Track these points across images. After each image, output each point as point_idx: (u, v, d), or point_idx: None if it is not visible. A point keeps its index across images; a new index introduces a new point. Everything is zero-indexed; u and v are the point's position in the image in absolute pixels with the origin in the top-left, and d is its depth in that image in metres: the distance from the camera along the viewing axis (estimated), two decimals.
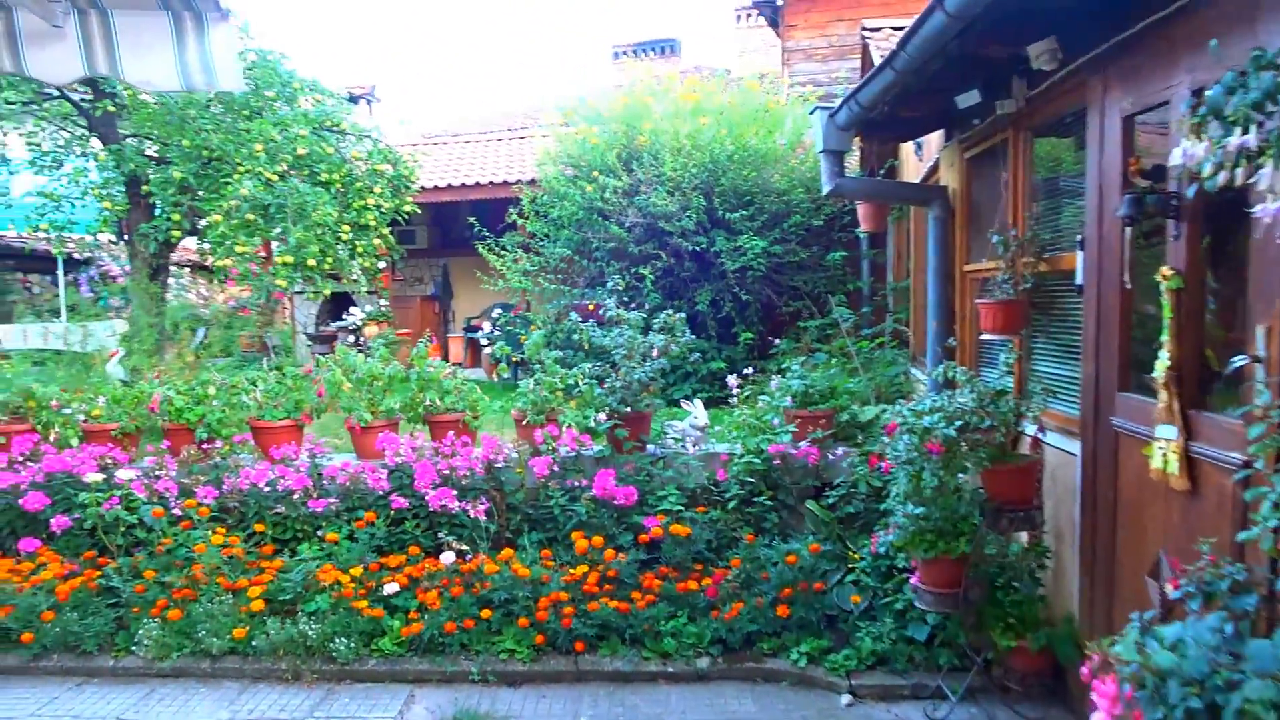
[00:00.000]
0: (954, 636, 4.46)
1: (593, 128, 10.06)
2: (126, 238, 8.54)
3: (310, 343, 14.32)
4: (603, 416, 5.72)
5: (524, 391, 6.04)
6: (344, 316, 13.68)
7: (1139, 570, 3.38)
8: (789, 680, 4.69)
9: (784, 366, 6.81)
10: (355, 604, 4.89)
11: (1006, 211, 4.75)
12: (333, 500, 5.44)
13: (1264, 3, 2.51)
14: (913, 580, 4.24)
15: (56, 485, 5.57)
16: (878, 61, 7.60)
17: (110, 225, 8.76)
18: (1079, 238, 3.92)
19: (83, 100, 8.49)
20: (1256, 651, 1.80)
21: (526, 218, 10.20)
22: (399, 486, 5.53)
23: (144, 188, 8.08)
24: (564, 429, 5.74)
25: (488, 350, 11.89)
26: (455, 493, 5.36)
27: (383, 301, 13.41)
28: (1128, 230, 3.29)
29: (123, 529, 5.32)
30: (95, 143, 8.68)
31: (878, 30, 8.20)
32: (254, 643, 4.81)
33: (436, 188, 13.15)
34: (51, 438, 6.01)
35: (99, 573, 5.21)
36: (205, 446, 5.89)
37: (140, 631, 4.89)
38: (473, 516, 5.27)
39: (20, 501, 5.41)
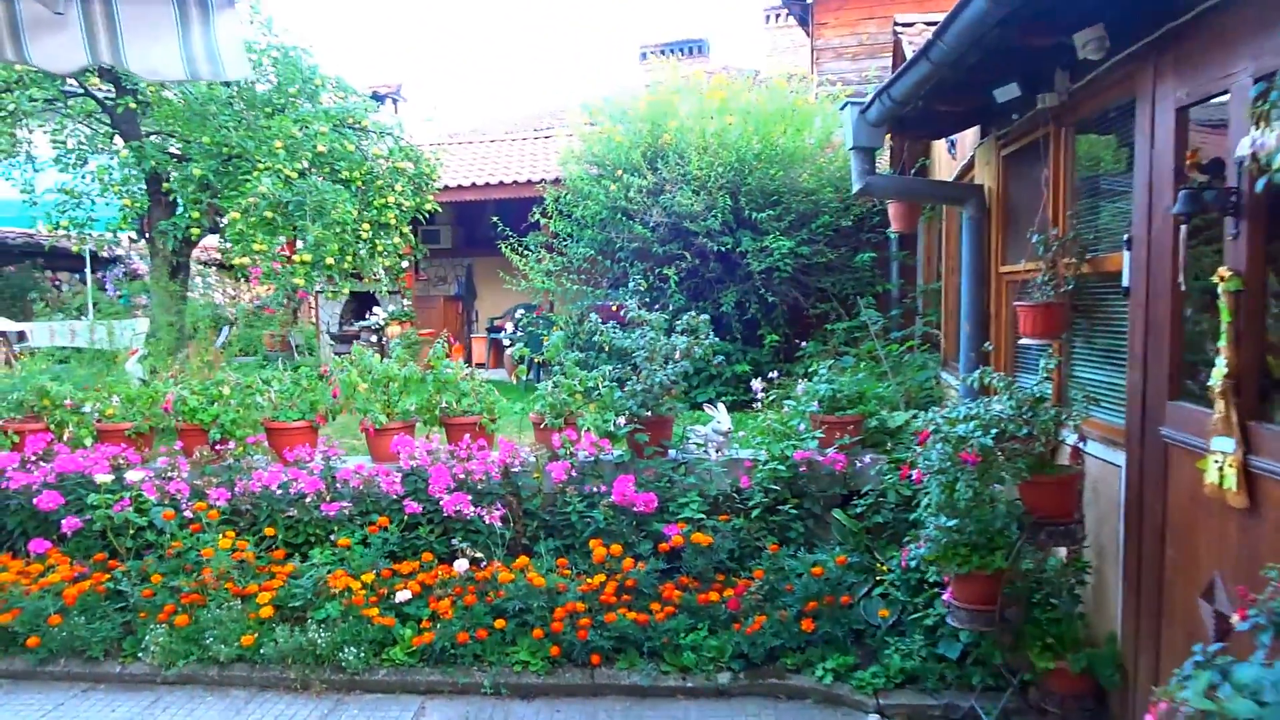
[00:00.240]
0: (988, 655, 4.25)
1: (617, 126, 9.90)
2: (147, 235, 8.48)
3: (333, 342, 14.29)
4: (623, 420, 5.56)
5: (542, 394, 5.89)
6: (367, 316, 13.64)
7: (1191, 591, 3.16)
8: (814, 698, 4.50)
9: (810, 370, 6.61)
10: (366, 611, 4.75)
11: (1047, 210, 4.53)
12: (346, 504, 5.31)
13: None
14: (945, 596, 4.03)
15: (69, 486, 5.48)
16: (910, 56, 7.43)
17: (131, 223, 8.70)
18: (1126, 237, 3.71)
19: (106, 98, 8.45)
20: None
21: (550, 217, 10.07)
22: (413, 491, 5.40)
23: (165, 185, 8.00)
24: (583, 433, 5.59)
25: (510, 351, 11.79)
26: (470, 498, 5.21)
27: (406, 301, 13.35)
28: (1183, 228, 3.08)
29: (132, 531, 5.23)
30: (119, 140, 8.63)
31: (910, 25, 7.98)
32: (262, 650, 4.68)
33: (460, 187, 13.06)
34: (65, 437, 5.93)
35: (108, 576, 5.11)
36: (219, 448, 5.78)
37: (147, 637, 4.79)
38: (488, 523, 5.13)
39: (34, 502, 5.32)
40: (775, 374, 6.68)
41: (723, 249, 9.03)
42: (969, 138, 6.42)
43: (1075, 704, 3.93)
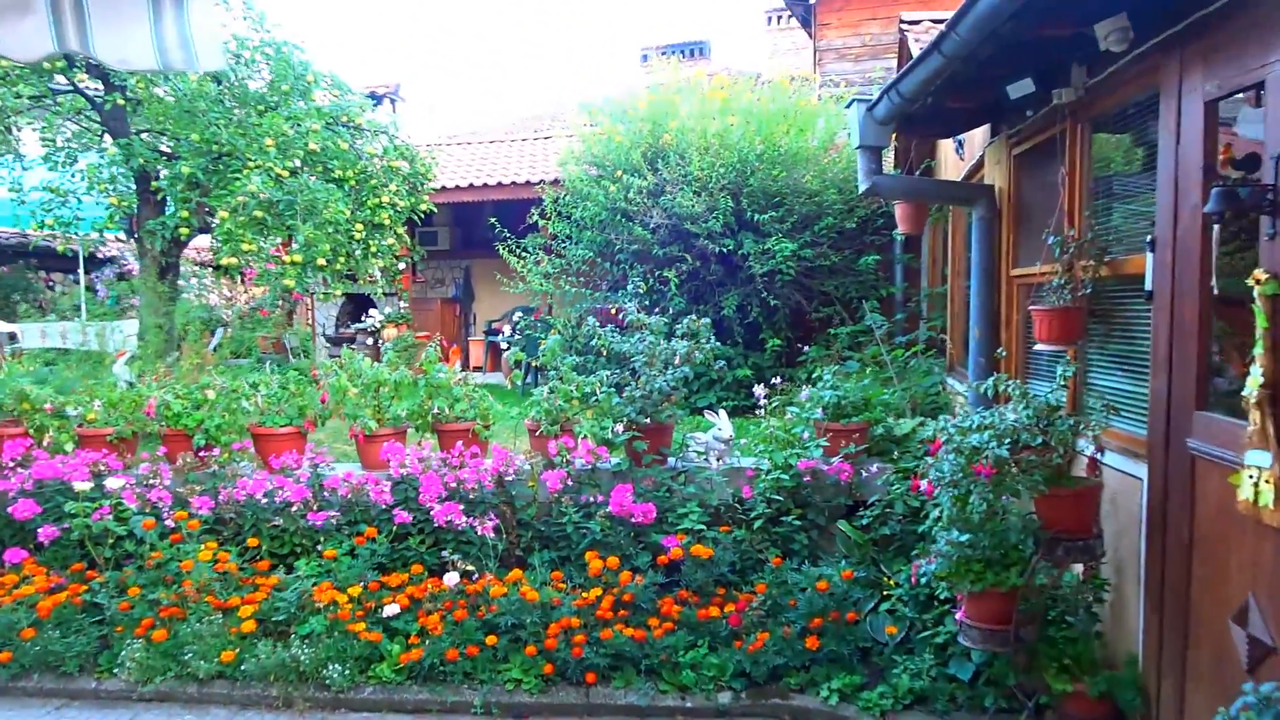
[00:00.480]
0: (1002, 676, 4.06)
1: (617, 126, 9.73)
2: (136, 235, 8.29)
3: (329, 345, 14.11)
4: (621, 427, 5.38)
5: (538, 400, 5.71)
6: (363, 318, 13.47)
7: (1220, 613, 2.98)
8: (818, 719, 4.30)
9: (814, 375, 6.44)
10: (352, 626, 4.56)
11: (1062, 211, 4.35)
12: (333, 513, 5.13)
13: None
14: (959, 615, 3.84)
15: (47, 493, 5.30)
16: (916, 54, 7.25)
17: (118, 222, 8.52)
18: (1148, 238, 3.52)
19: (95, 95, 8.27)
20: None
21: (549, 218, 9.90)
22: (403, 500, 5.21)
23: (154, 184, 7.82)
24: (580, 440, 5.40)
25: (507, 354, 11.62)
26: (462, 508, 5.02)
27: (402, 303, 13.18)
28: (1215, 228, 2.89)
29: (112, 541, 5.04)
30: (109, 138, 8.46)
31: (917, 23, 7.81)
32: (243, 667, 4.49)
33: (458, 187, 12.89)
34: (45, 442, 5.75)
35: (85, 587, 4.92)
36: (203, 454, 5.59)
37: (124, 652, 4.59)
38: (480, 534, 4.94)
39: (9, 510, 5.14)
40: (778, 380, 6.49)
41: (724, 251, 8.86)
42: (978, 136, 6.24)
43: None
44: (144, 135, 8.45)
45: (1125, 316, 3.96)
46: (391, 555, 5.09)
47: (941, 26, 3.99)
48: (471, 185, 12.91)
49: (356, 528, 5.18)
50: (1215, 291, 2.98)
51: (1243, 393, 2.69)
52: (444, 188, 12.66)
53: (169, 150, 8.36)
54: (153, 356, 7.33)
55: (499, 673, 4.51)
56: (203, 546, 4.92)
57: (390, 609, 4.67)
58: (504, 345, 12.24)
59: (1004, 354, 5.01)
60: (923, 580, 4.06)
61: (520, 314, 11.63)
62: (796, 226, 8.85)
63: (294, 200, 7.00)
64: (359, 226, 8.05)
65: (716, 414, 5.66)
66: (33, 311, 12.16)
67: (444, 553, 5.00)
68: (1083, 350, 4.27)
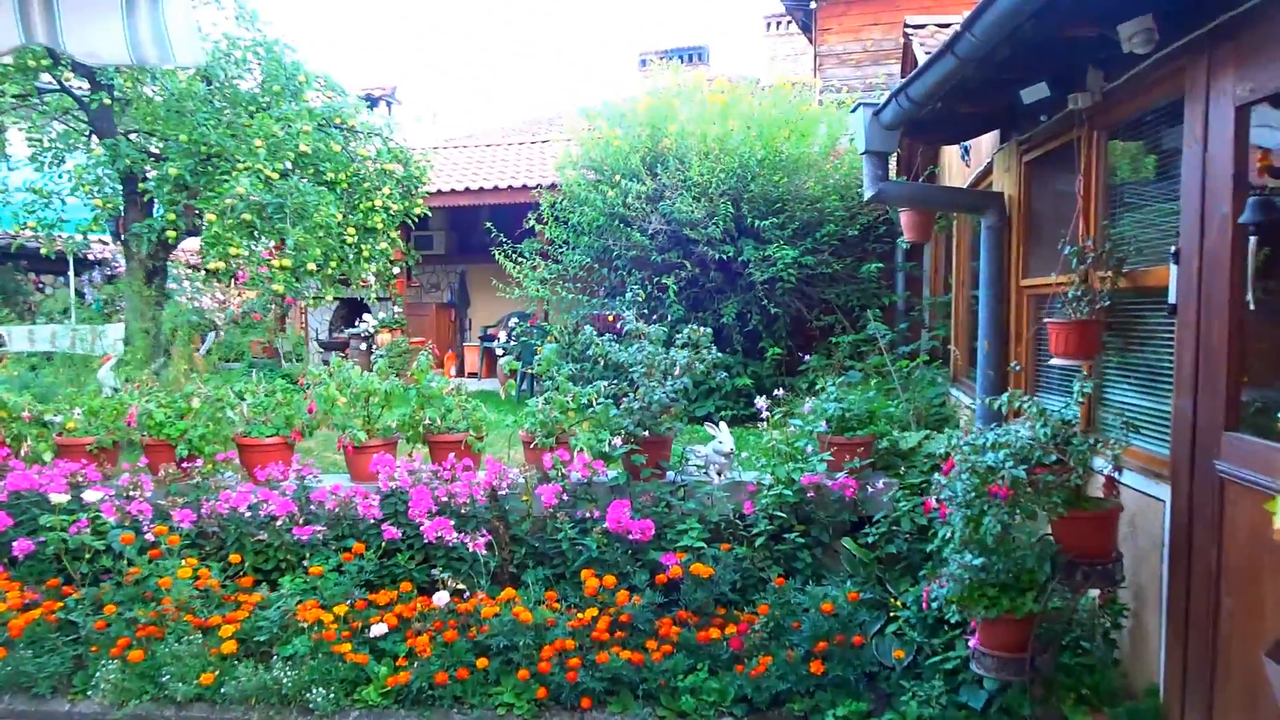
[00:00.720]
0: (1016, 705, 3.87)
1: (616, 130, 9.57)
2: (122, 238, 8.10)
3: (322, 350, 13.93)
4: (618, 441, 5.21)
5: (533, 411, 5.53)
6: (357, 323, 13.29)
7: (1252, 647, 2.81)
8: None
9: (817, 386, 6.26)
10: (338, 648, 4.37)
11: (1079, 220, 4.19)
12: (320, 528, 4.95)
13: None
14: (972, 642, 3.67)
15: (23, 505, 5.12)
16: (922, 59, 7.10)
17: (103, 224, 8.32)
18: (1172, 249, 3.36)
19: (83, 94, 8.09)
20: None
21: (545, 223, 9.72)
22: (392, 514, 5.03)
23: (140, 185, 7.64)
24: (576, 453, 5.23)
25: (503, 361, 11.45)
26: (454, 523, 4.85)
27: (396, 308, 13.01)
28: (1251, 239, 2.73)
29: (89, 555, 4.85)
30: (96, 138, 8.27)
31: (921, 27, 7.66)
32: (223, 689, 4.29)
33: (454, 191, 12.73)
34: (23, 451, 5.56)
35: (60, 604, 4.73)
36: (185, 465, 5.41)
37: (98, 673, 4.39)
38: (471, 550, 4.76)
39: None
40: (780, 391, 6.31)
41: (724, 258, 8.70)
42: (986, 143, 6.09)
43: None
44: (132, 136, 8.27)
45: (1144, 330, 3.80)
46: (380, 572, 4.91)
47: (949, 30, 3.85)
48: (467, 189, 12.75)
49: (344, 543, 5.00)
50: (1251, 305, 2.82)
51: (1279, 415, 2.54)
52: (439, 191, 12.50)
53: (158, 151, 8.17)
54: (139, 362, 7.14)
55: (490, 697, 4.32)
56: (183, 562, 4.74)
57: (378, 629, 4.49)
58: (500, 351, 12.07)
59: (1018, 368, 4.84)
60: (934, 605, 3.89)
61: (516, 320, 11.46)
62: (798, 233, 8.70)
63: (284, 203, 6.82)
64: (351, 230, 7.86)
65: (717, 426, 5.49)
66: (12, 316, 11.94)
67: (434, 570, 4.83)
68: (1098, 365, 4.11)
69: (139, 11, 2.94)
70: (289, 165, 7.29)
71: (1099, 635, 3.81)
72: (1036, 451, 3.46)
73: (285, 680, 4.25)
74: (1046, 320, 4.08)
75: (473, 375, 13.04)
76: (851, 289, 8.96)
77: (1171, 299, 3.36)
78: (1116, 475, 3.75)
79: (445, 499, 4.98)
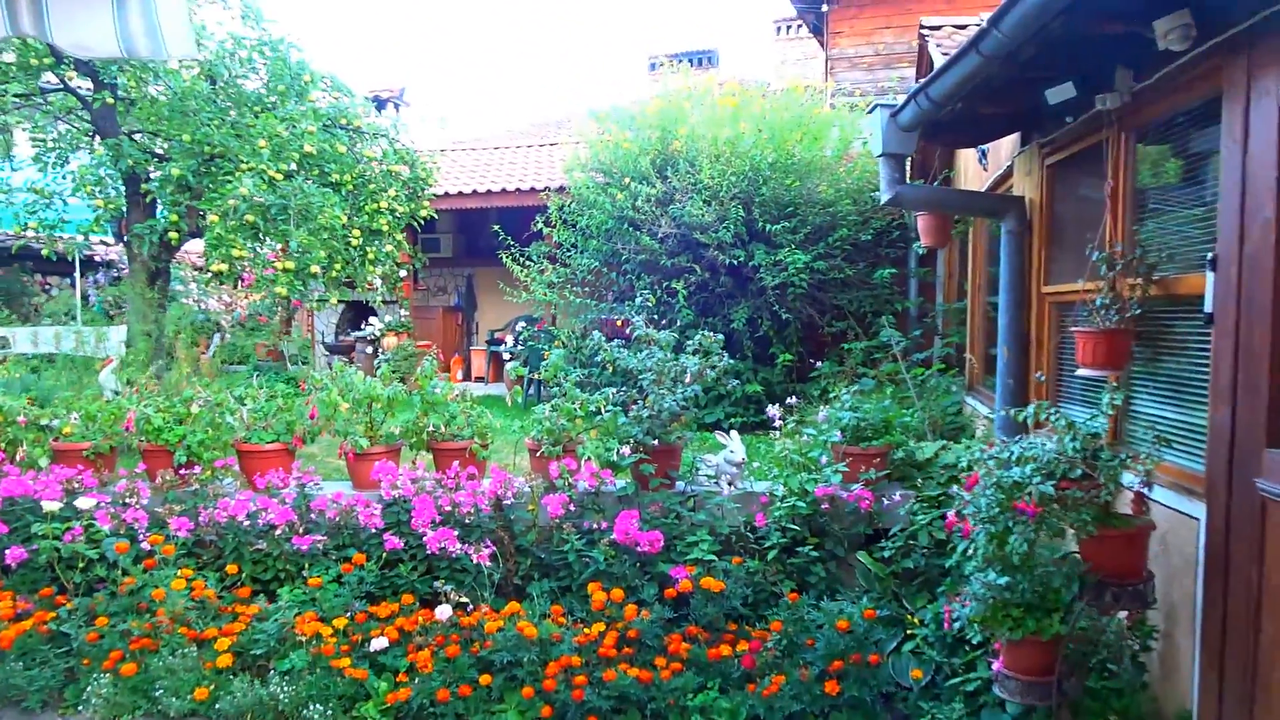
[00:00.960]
0: None
1: (625, 132, 9.44)
2: (125, 239, 7.98)
3: (328, 353, 13.82)
4: (626, 449, 5.06)
5: (539, 418, 5.40)
6: (363, 326, 13.17)
7: None
8: None
9: (830, 394, 6.12)
10: (336, 663, 4.23)
11: (1107, 225, 4.04)
12: (320, 537, 4.82)
13: None
14: (996, 665, 3.52)
15: (17, 512, 4.99)
16: (938, 60, 6.95)
17: (105, 225, 8.20)
18: (1209, 255, 3.21)
19: (88, 94, 7.99)
20: None
21: (553, 226, 9.60)
22: (394, 524, 4.90)
23: (143, 186, 7.52)
24: (583, 462, 5.10)
25: (510, 366, 11.32)
26: (457, 533, 4.71)
27: (403, 311, 12.90)
28: None
29: (82, 564, 4.73)
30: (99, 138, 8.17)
31: (938, 28, 7.51)
32: (218, 705, 4.16)
33: (461, 194, 12.60)
34: (18, 456, 5.44)
35: (53, 615, 4.60)
36: (183, 472, 5.28)
37: (90, 687, 4.26)
38: (475, 561, 4.62)
39: None
40: (793, 400, 6.16)
41: (734, 262, 8.56)
42: (1005, 146, 5.94)
43: None
44: (137, 136, 8.16)
45: (1175, 339, 3.65)
46: (381, 583, 4.78)
47: (966, 32, 3.72)
48: (475, 191, 12.63)
49: (344, 553, 4.87)
50: None
51: None
52: (447, 194, 12.39)
53: (162, 152, 8.06)
54: (140, 365, 7.03)
55: (493, 715, 4.17)
56: (178, 573, 4.60)
57: (378, 642, 4.35)
58: (507, 356, 11.95)
59: (1043, 378, 4.69)
60: (955, 625, 3.73)
61: (523, 324, 11.34)
62: (809, 238, 8.55)
63: (287, 204, 6.70)
64: (356, 233, 7.73)
65: (728, 435, 5.34)
66: (14, 317, 11.84)
67: (437, 582, 4.69)
68: (1125, 375, 3.95)
69: (130, 3, 2.81)
70: (293, 166, 7.17)
71: (1127, 657, 3.65)
72: (1062, 466, 3.31)
73: (282, 696, 4.11)
74: (1074, 329, 3.93)
75: (479, 379, 12.92)
76: (864, 294, 8.81)
77: (1207, 307, 3.21)
78: (1146, 491, 3.59)
79: (449, 508, 4.85)
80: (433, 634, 4.41)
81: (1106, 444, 3.56)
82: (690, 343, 5.60)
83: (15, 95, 7.71)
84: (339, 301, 9.42)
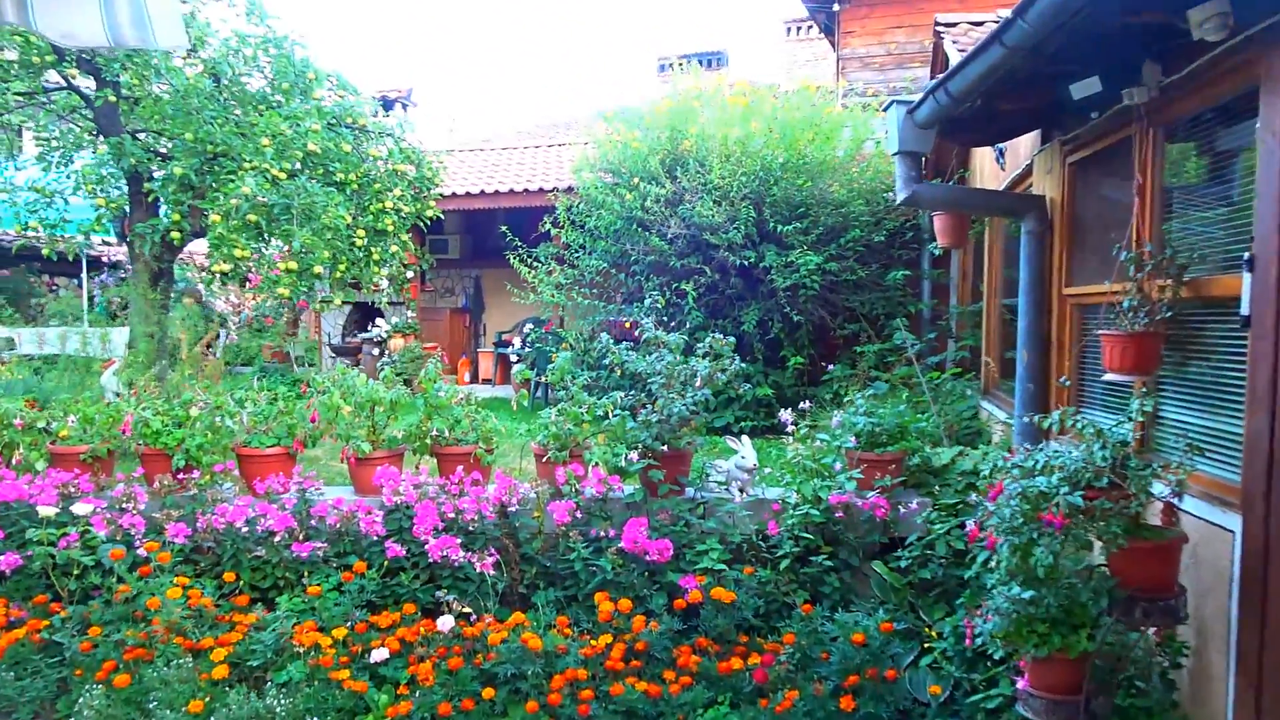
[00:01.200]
0: None
1: (634, 131, 9.31)
2: (128, 239, 7.88)
3: (335, 355, 13.72)
4: (635, 455, 4.93)
5: (545, 423, 5.27)
6: (370, 328, 13.08)
7: None
8: None
9: (843, 397, 5.98)
10: (335, 674, 4.11)
11: (1135, 224, 3.89)
12: (320, 544, 4.70)
13: None
14: (1020, 684, 3.37)
15: (12, 517, 4.89)
16: (955, 57, 6.81)
17: (106, 225, 8.09)
18: (1246, 255, 3.06)
19: (91, 93, 7.90)
20: None
21: (561, 227, 9.47)
22: (396, 531, 4.78)
23: (145, 185, 7.42)
24: (590, 468, 4.97)
25: (516, 369, 11.21)
26: (461, 541, 4.59)
27: (410, 313, 12.80)
28: None
29: (77, 571, 4.61)
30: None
31: (953, 25, 7.37)
32: (213, 718, 4.03)
33: (468, 194, 12.49)
34: (15, 460, 5.34)
35: (47, 623, 4.48)
36: (182, 476, 5.16)
37: (82, 699, 4.14)
38: (479, 570, 4.49)
39: None
40: (806, 404, 6.01)
41: (745, 264, 8.41)
42: (1024, 144, 5.79)
43: None
44: (141, 135, 8.06)
45: (1206, 343, 3.50)
46: (382, 592, 4.65)
47: (983, 28, 3.58)
48: (483, 192, 12.52)
49: (345, 560, 4.75)
50: None
51: None
52: (454, 194, 12.29)
53: (166, 151, 7.96)
54: (141, 366, 6.92)
55: None
56: (174, 580, 4.48)
57: (379, 653, 4.23)
58: (514, 358, 11.84)
59: (1067, 382, 4.54)
60: (978, 640, 3.58)
61: (531, 326, 11.22)
62: (821, 239, 8.41)
63: (290, 204, 6.58)
64: (360, 233, 7.62)
65: (739, 441, 5.20)
66: (18, 317, 11.78)
67: (439, 592, 4.56)
68: (1153, 380, 3.80)
69: None
70: (297, 165, 7.06)
71: (1156, 675, 3.50)
72: (1088, 474, 3.17)
73: (279, 709, 3.99)
74: (1100, 332, 3.78)
75: (487, 381, 12.81)
76: (877, 296, 8.66)
77: (1244, 309, 3.06)
78: (1176, 502, 3.44)
79: (452, 515, 4.72)
80: (435, 645, 4.28)
81: (1133, 452, 3.42)
82: (700, 345, 5.46)
83: (17, 94, 7.62)
84: (345, 303, 9.31)
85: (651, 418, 5.04)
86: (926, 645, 4.27)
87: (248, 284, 10.79)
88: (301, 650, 4.20)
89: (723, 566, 4.58)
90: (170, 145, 7.84)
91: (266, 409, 5.48)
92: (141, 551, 4.63)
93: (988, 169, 7.37)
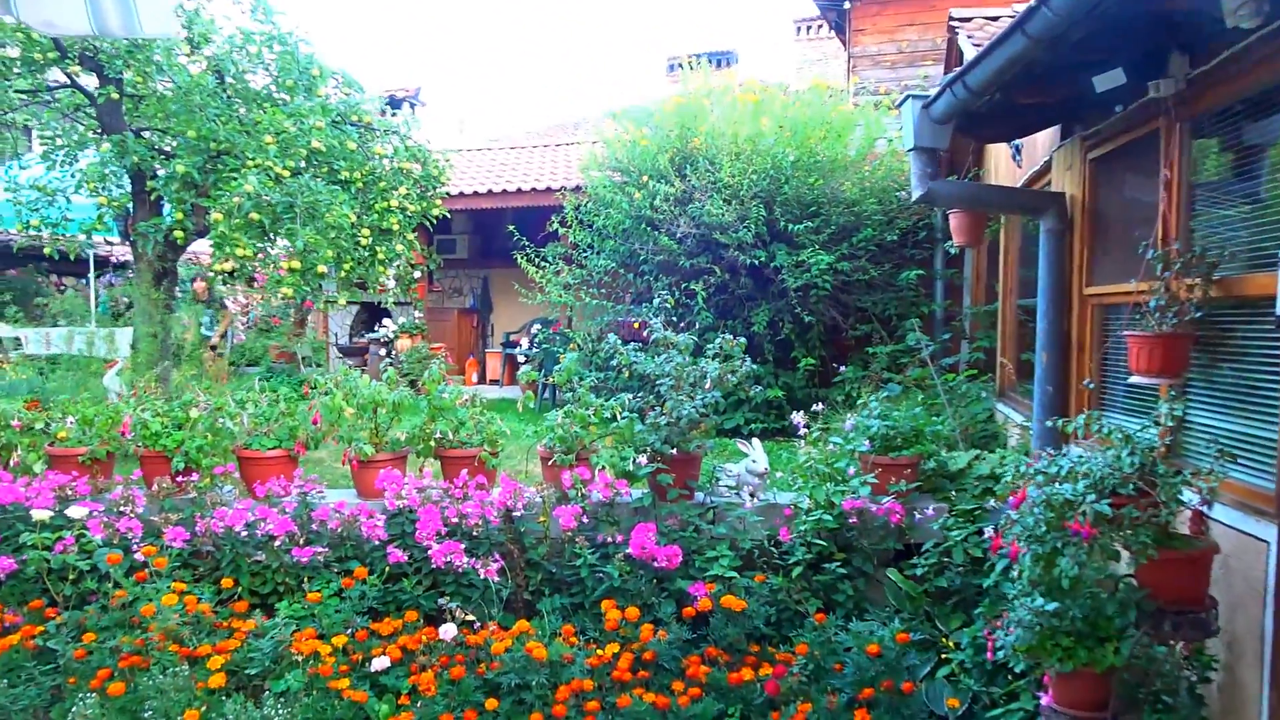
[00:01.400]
0: None
1: (643, 129, 9.19)
2: (130, 238, 7.79)
3: (342, 355, 13.65)
4: (643, 458, 4.81)
5: (552, 425, 5.15)
6: (377, 328, 13.00)
7: None
8: None
9: (856, 400, 5.85)
10: (335, 684, 4.00)
11: (1161, 221, 3.75)
12: (321, 549, 4.59)
13: None
14: (1044, 700, 3.24)
15: (8, 520, 4.79)
16: (970, 52, 6.67)
17: (109, 223, 8.00)
18: (1279, 253, 2.93)
19: (94, 90, 7.82)
20: None
21: (569, 226, 9.36)
22: (399, 535, 4.66)
23: (149, 183, 7.33)
24: (597, 471, 4.85)
25: (524, 368, 11.10)
26: (464, 546, 4.47)
27: (417, 313, 12.71)
28: None
29: (73, 576, 4.51)
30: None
31: (968, 20, 7.23)
32: None
33: (476, 194, 12.40)
34: (12, 461, 5.25)
35: (41, 629, 4.38)
36: (181, 479, 5.06)
37: (75, 708, 4.04)
38: (483, 576, 4.38)
39: None
40: (818, 407, 5.88)
41: (755, 263, 8.29)
42: (1041, 140, 5.66)
43: None
44: (145, 133, 7.98)
45: (1239, 344, 3.36)
46: (384, 598, 4.54)
47: (998, 23, 3.46)
48: (490, 191, 12.43)
49: (346, 565, 4.64)
50: None
51: None
52: (462, 194, 12.20)
53: (170, 149, 7.88)
54: (142, 367, 6.83)
55: None
56: (170, 586, 4.37)
57: (379, 662, 4.12)
58: (522, 358, 11.74)
59: (1091, 385, 4.40)
60: (999, 654, 3.45)
61: (539, 326, 11.12)
62: (833, 238, 8.27)
63: (294, 202, 6.47)
64: (365, 232, 7.51)
65: (750, 444, 5.07)
66: (19, 316, 11.72)
67: (442, 598, 4.45)
68: (1180, 383, 3.67)
69: None
70: (301, 163, 6.96)
71: (1184, 689, 3.36)
72: (1114, 481, 3.04)
73: (276, 719, 3.88)
74: (1126, 333, 3.65)
75: (494, 382, 12.72)
76: (889, 297, 8.53)
77: (1279, 310, 2.93)
78: (1206, 510, 3.31)
79: (456, 519, 4.61)
80: (437, 653, 4.17)
81: (1160, 457, 3.28)
82: (710, 346, 5.34)
83: (20, 91, 7.55)
84: (351, 303, 9.22)
85: (660, 420, 4.92)
86: (944, 656, 4.14)
87: (254, 283, 10.71)
88: (300, 658, 4.09)
89: (733, 573, 4.45)
90: (173, 143, 7.75)
91: (268, 410, 5.38)
92: (139, 556, 4.53)
93: (1003, 167, 7.24)
